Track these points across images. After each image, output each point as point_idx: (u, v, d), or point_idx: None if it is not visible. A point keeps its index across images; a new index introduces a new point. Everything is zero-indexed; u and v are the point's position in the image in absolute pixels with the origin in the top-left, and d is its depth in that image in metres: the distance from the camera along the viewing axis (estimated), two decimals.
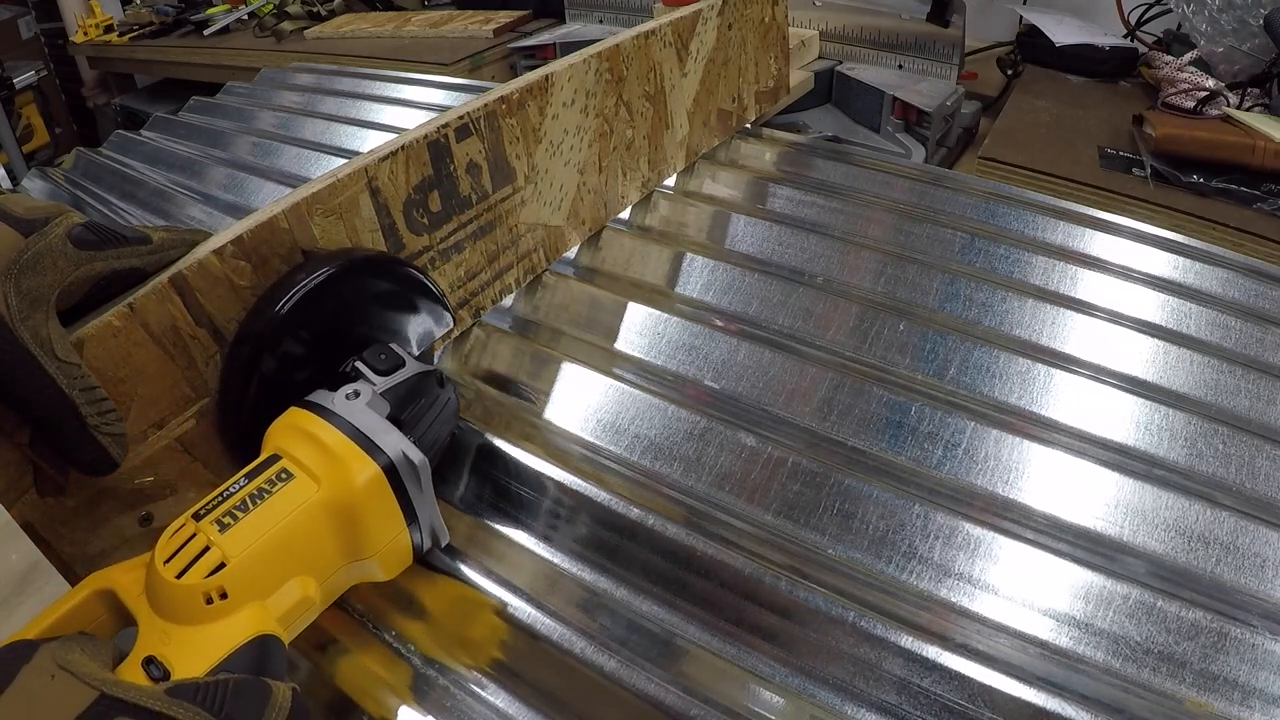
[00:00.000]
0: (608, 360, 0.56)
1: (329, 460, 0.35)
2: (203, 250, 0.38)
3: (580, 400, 0.52)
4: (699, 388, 0.54)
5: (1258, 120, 1.02)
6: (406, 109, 1.02)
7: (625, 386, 0.52)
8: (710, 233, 0.69)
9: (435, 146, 0.48)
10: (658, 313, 0.58)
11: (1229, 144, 0.99)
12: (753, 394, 0.53)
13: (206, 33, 1.94)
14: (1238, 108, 1.08)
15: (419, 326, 0.46)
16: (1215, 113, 1.08)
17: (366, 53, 1.65)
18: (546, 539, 0.45)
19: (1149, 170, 1.00)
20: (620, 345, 0.57)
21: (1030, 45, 1.39)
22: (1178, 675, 0.38)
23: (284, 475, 0.35)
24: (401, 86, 1.10)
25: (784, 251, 0.65)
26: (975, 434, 0.48)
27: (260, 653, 0.31)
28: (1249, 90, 1.11)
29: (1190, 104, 1.10)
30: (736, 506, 0.46)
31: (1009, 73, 1.37)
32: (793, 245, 0.66)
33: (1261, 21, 1.14)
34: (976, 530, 0.43)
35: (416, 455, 0.37)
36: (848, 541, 0.44)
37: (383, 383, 0.39)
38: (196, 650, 0.30)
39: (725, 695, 0.37)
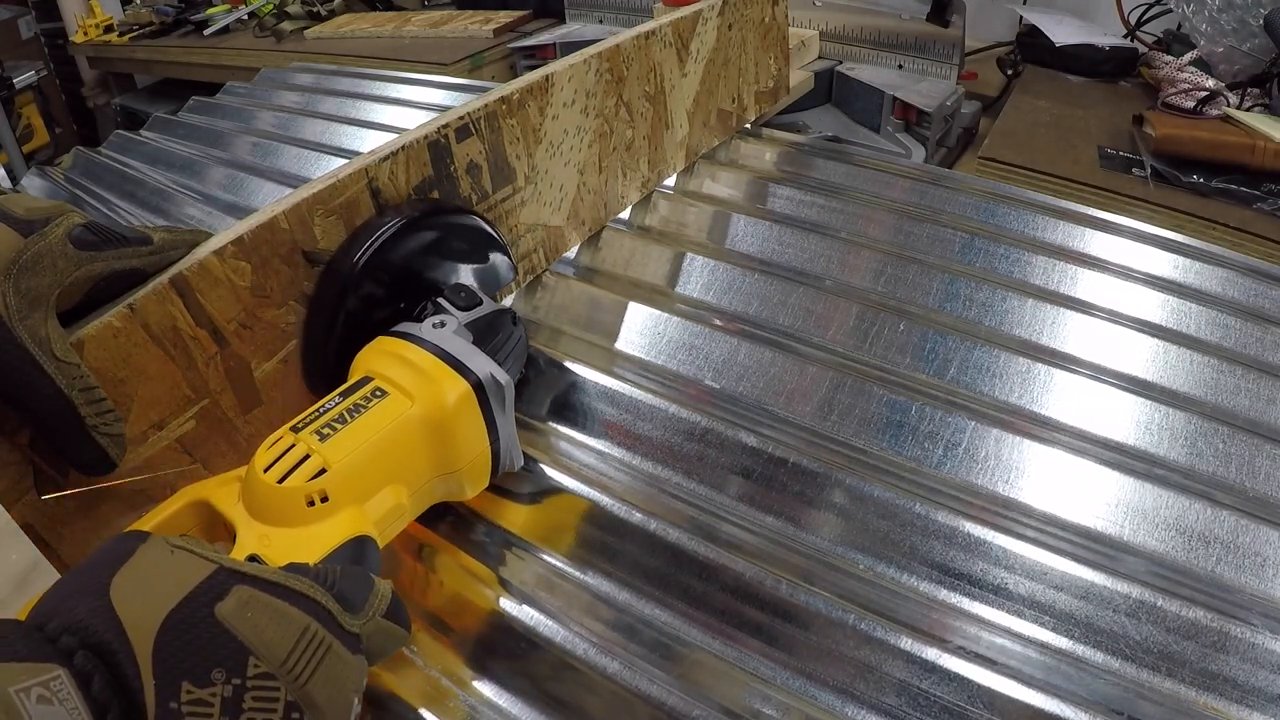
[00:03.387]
0: (608, 360, 0.56)
1: (422, 379, 0.38)
2: (203, 251, 0.38)
3: (580, 401, 0.52)
4: (699, 387, 0.54)
5: (1258, 120, 1.02)
6: (406, 109, 1.02)
7: (625, 386, 0.52)
8: (710, 233, 0.69)
9: (435, 147, 0.48)
10: (658, 312, 0.58)
11: (1229, 144, 0.99)
12: (753, 394, 0.53)
13: (206, 33, 1.94)
14: (1238, 108, 1.08)
15: (487, 274, 0.50)
16: (1215, 113, 1.08)
17: (366, 53, 1.65)
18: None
19: (1149, 170, 1.00)
20: (620, 345, 0.57)
21: (1030, 45, 1.39)
22: (1177, 674, 0.38)
23: (378, 393, 0.37)
24: (401, 86, 1.10)
25: (784, 251, 0.65)
26: (975, 433, 0.48)
27: (359, 551, 0.33)
28: (1249, 90, 1.11)
29: (1190, 104, 1.10)
30: (737, 508, 0.46)
31: (1009, 73, 1.37)
32: (793, 245, 0.66)
33: (1261, 21, 1.14)
34: (977, 530, 0.43)
35: (503, 376, 0.40)
36: (848, 542, 0.44)
37: (464, 316, 0.42)
38: (298, 549, 0.32)
39: (726, 697, 0.37)
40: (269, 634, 0.25)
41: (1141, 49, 1.34)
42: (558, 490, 0.47)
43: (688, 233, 0.69)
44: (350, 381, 0.39)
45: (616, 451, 0.50)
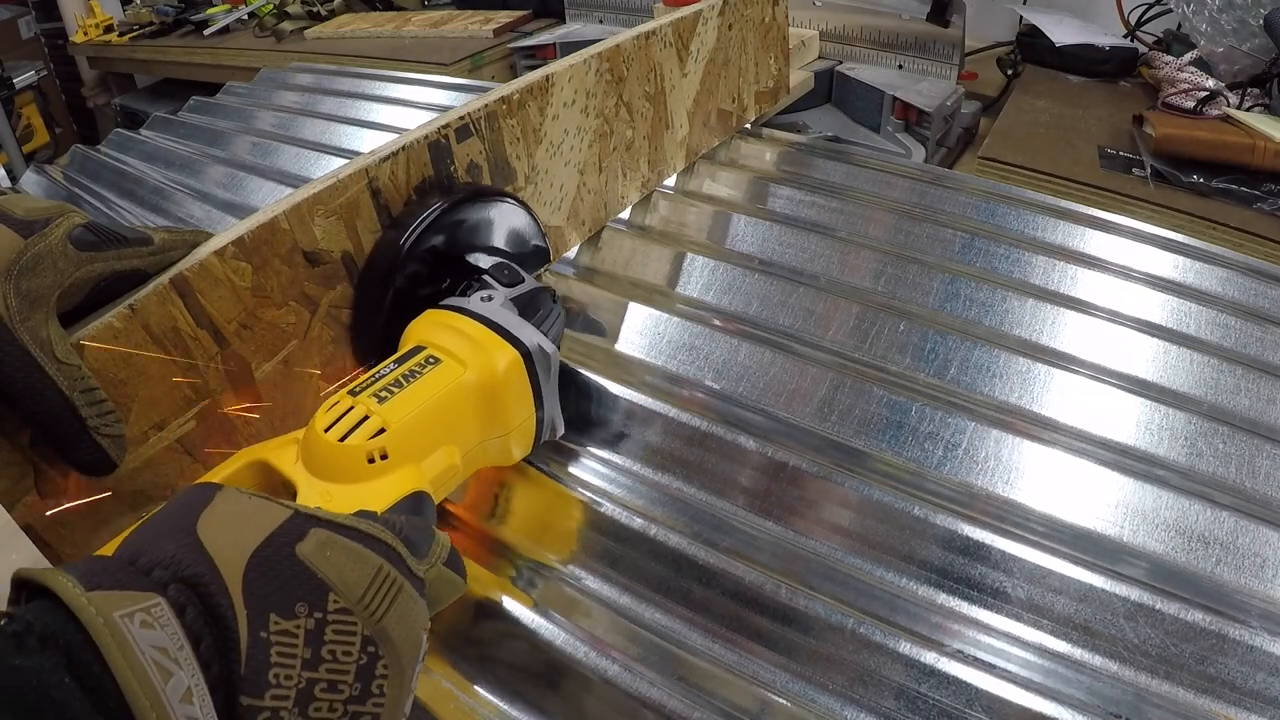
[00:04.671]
0: (608, 361, 0.56)
1: (473, 347, 0.40)
2: (204, 251, 0.38)
3: (581, 404, 0.52)
4: (699, 388, 0.54)
5: (1258, 120, 1.02)
6: (406, 109, 1.02)
7: (625, 389, 0.52)
8: (710, 233, 0.69)
9: (436, 147, 0.48)
10: (658, 313, 0.58)
11: (1229, 144, 0.99)
12: (753, 394, 0.53)
13: (206, 33, 1.94)
14: (1238, 108, 1.08)
15: (525, 256, 0.52)
16: (1215, 113, 1.08)
17: (366, 53, 1.65)
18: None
19: (1149, 170, 1.00)
20: (620, 346, 0.57)
21: (1030, 45, 1.39)
22: (1176, 677, 0.38)
23: (431, 360, 0.39)
24: (401, 86, 1.10)
25: (784, 251, 0.65)
26: (975, 434, 0.48)
27: (417, 505, 0.35)
28: (1249, 90, 1.11)
29: (1190, 104, 1.10)
30: (737, 513, 0.46)
31: (1009, 73, 1.37)
32: (793, 245, 0.66)
33: (1261, 21, 1.14)
34: (976, 532, 0.43)
35: (550, 346, 0.43)
36: (847, 546, 0.44)
37: (508, 292, 0.45)
38: (360, 504, 0.33)
39: (726, 701, 0.37)
40: (346, 572, 0.26)
41: (1141, 49, 1.34)
42: (558, 495, 0.47)
43: (688, 233, 0.69)
44: (404, 350, 0.41)
45: (617, 457, 0.50)
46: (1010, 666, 0.38)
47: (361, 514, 0.29)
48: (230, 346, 0.39)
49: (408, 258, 0.44)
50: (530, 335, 0.42)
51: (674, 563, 0.43)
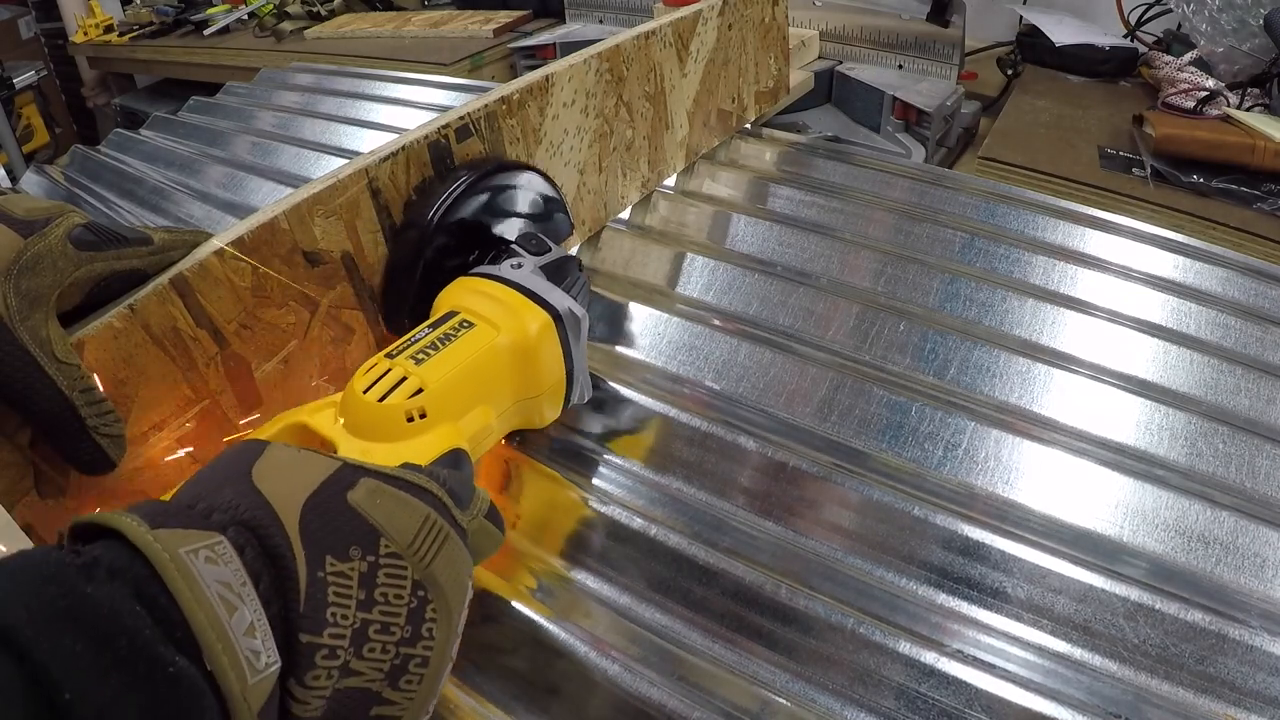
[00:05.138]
0: (607, 361, 0.56)
1: (506, 311, 0.41)
2: (204, 251, 0.38)
3: (580, 405, 0.52)
4: (699, 388, 0.54)
5: (1258, 120, 1.02)
6: (406, 109, 1.02)
7: (625, 389, 0.52)
8: (710, 233, 0.69)
9: (436, 147, 0.48)
10: (658, 313, 0.58)
11: (1229, 144, 0.99)
12: (753, 395, 0.53)
13: (206, 33, 1.94)
14: (1238, 108, 1.08)
15: (549, 227, 0.53)
16: (1215, 113, 1.08)
17: (366, 53, 1.65)
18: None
19: (1149, 170, 1.00)
20: (619, 346, 0.57)
21: (1030, 45, 1.39)
22: (1176, 677, 0.38)
23: (465, 324, 0.41)
24: (401, 86, 1.10)
25: (784, 251, 0.65)
26: (975, 434, 0.48)
27: (456, 461, 0.36)
28: (1249, 90, 1.11)
29: (1190, 104, 1.10)
30: (737, 513, 0.46)
31: (1009, 73, 1.37)
32: (793, 245, 0.66)
33: (1261, 21, 1.14)
34: (976, 532, 0.43)
35: (580, 310, 0.44)
36: (847, 546, 0.44)
37: (536, 260, 0.46)
38: (401, 461, 0.33)
39: (726, 701, 0.37)
40: (396, 519, 0.27)
41: (1141, 49, 1.34)
42: (558, 495, 0.47)
43: (688, 233, 0.69)
44: (437, 316, 0.42)
45: (617, 457, 0.50)
46: (1010, 666, 0.38)
47: (407, 466, 0.30)
48: (230, 346, 0.39)
49: (436, 230, 0.45)
50: (560, 299, 0.43)
51: (674, 563, 0.42)
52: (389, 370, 0.37)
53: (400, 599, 0.26)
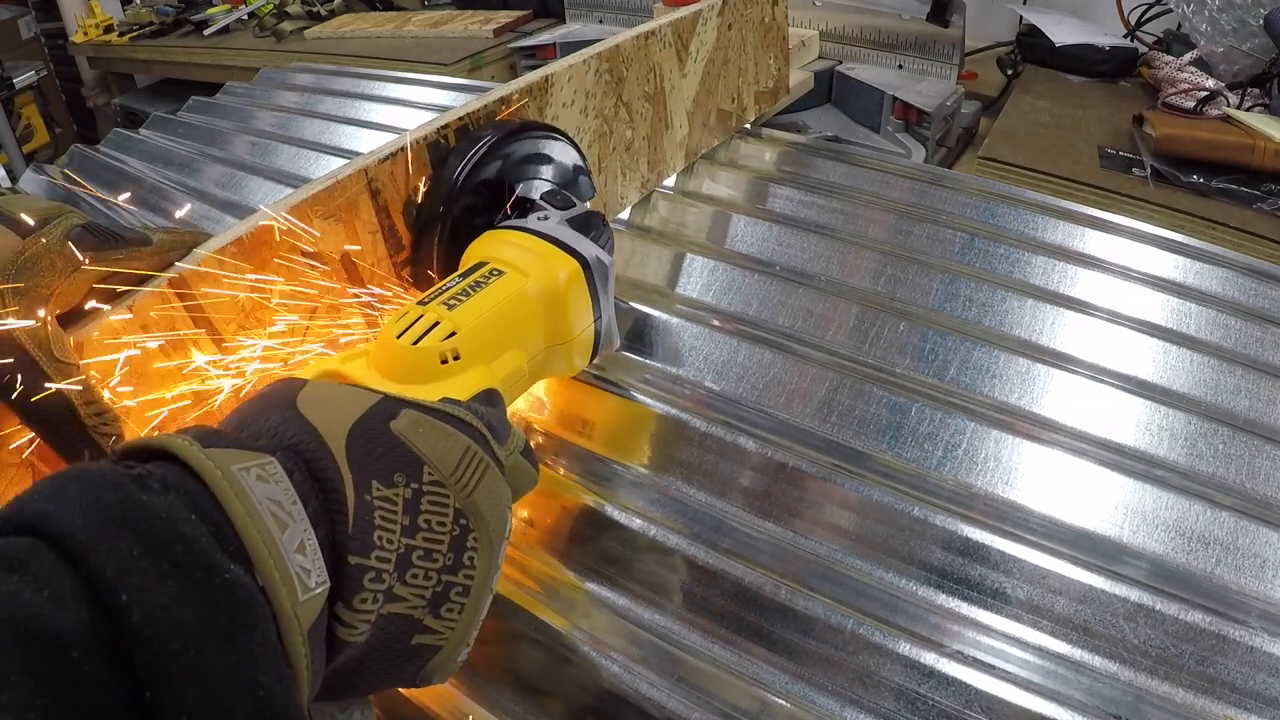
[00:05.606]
0: (607, 361, 0.56)
1: (535, 259, 0.42)
2: (203, 251, 0.38)
3: (580, 405, 0.52)
4: (699, 388, 0.54)
5: (1258, 120, 1.02)
6: (406, 109, 1.02)
7: (624, 390, 0.52)
8: (710, 233, 0.69)
9: (436, 147, 0.48)
10: (657, 313, 0.58)
11: (1229, 144, 0.99)
12: (753, 395, 0.53)
13: (206, 33, 1.94)
14: (1238, 108, 1.08)
15: (571, 188, 0.53)
16: (1215, 113, 1.08)
17: (366, 53, 1.64)
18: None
19: (1149, 170, 0.99)
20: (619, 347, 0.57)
21: (1030, 45, 1.39)
22: (1176, 678, 0.38)
23: (495, 272, 0.41)
24: (401, 86, 1.10)
25: (784, 251, 0.65)
26: (975, 434, 0.48)
27: (490, 400, 0.36)
28: (1249, 90, 1.11)
29: (1190, 104, 1.10)
30: (737, 514, 0.46)
31: (1009, 73, 1.37)
32: (793, 245, 0.66)
33: (1261, 21, 1.14)
34: (976, 533, 0.43)
35: (607, 258, 0.45)
36: (847, 547, 0.44)
37: (563, 214, 0.46)
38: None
39: (725, 701, 0.37)
40: (439, 448, 0.28)
41: (1141, 49, 1.34)
42: (557, 495, 0.47)
43: (687, 233, 0.69)
44: (467, 266, 0.42)
45: (615, 458, 0.50)
46: (1010, 667, 0.38)
47: (444, 400, 0.31)
48: (230, 346, 0.39)
49: (462, 189, 0.45)
50: (588, 248, 0.44)
51: (673, 563, 0.42)
52: (421, 316, 0.37)
53: (443, 526, 0.27)
